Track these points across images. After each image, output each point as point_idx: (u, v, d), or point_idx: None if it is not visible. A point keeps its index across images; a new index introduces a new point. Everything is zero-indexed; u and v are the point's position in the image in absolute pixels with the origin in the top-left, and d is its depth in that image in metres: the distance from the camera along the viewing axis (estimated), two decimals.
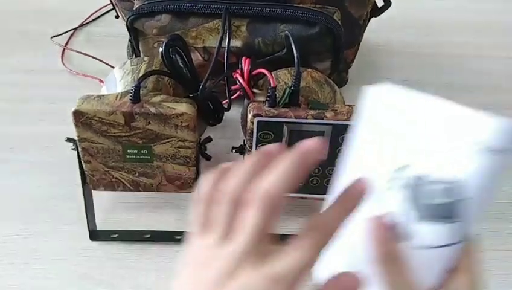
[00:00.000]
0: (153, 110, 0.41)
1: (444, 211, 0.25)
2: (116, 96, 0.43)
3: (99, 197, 0.50)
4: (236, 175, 0.25)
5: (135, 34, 0.54)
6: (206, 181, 0.26)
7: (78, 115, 0.41)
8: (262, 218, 0.23)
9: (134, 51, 0.58)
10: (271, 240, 0.24)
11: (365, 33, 0.59)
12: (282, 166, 0.24)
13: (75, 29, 0.70)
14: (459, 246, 0.26)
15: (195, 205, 0.26)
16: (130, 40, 0.56)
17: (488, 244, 0.49)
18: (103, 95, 0.43)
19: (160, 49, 0.43)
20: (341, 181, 0.29)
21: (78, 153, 0.45)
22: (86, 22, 0.72)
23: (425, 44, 0.74)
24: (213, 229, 0.25)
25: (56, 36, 0.68)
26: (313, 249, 0.24)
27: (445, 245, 0.26)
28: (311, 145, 0.26)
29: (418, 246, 0.26)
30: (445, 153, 0.25)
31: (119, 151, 0.44)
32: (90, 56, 0.65)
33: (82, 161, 0.45)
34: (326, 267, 0.25)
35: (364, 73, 0.67)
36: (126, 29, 0.54)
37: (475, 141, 0.24)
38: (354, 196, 0.25)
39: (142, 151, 0.44)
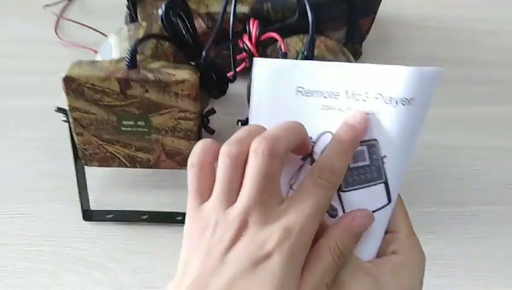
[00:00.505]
0: (150, 76, 0.37)
1: (365, 174, 0.25)
2: (111, 62, 0.39)
3: (93, 174, 0.47)
4: (231, 138, 0.23)
5: (133, 0, 0.50)
6: (199, 145, 0.25)
7: (69, 81, 0.38)
8: (265, 164, 0.22)
9: (132, 19, 0.54)
10: (278, 191, 0.23)
11: (381, 6, 0.55)
12: (285, 123, 0.24)
13: None
14: (390, 207, 0.25)
15: (188, 169, 0.24)
16: (127, 7, 0.51)
17: None
18: (97, 61, 0.39)
19: (160, 12, 0.39)
20: None
21: (69, 124, 0.41)
22: None
23: (444, 18, 0.70)
24: (213, 191, 0.23)
25: (49, 6, 0.64)
26: (323, 194, 0.23)
27: (375, 210, 0.25)
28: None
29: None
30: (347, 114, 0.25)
31: (113, 123, 0.40)
32: (86, 26, 0.61)
33: (73, 134, 0.41)
34: None
35: (378, 47, 0.63)
36: None
37: (383, 94, 0.24)
38: (354, 131, 0.24)
39: (138, 123, 0.40)
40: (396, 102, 0.24)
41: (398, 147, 0.24)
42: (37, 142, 0.51)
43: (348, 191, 0.25)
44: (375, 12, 0.53)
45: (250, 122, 0.27)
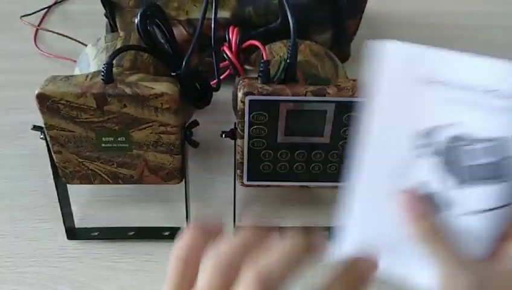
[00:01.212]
0: (128, 90, 0.36)
1: (490, 172, 0.23)
2: (87, 77, 0.37)
3: (78, 191, 0.46)
4: (226, 242, 0.22)
5: (110, 8, 0.48)
6: (186, 236, 0.23)
7: (43, 98, 0.36)
8: None
9: (112, 28, 0.52)
10: None
11: (368, 5, 0.54)
12: (284, 249, 0.21)
13: (49, 7, 0.64)
14: (509, 208, 0.24)
15: (173, 261, 0.22)
16: (105, 15, 0.50)
17: None
18: (71, 76, 0.38)
19: (136, 20, 0.37)
20: (363, 163, 0.26)
21: (46, 142, 0.39)
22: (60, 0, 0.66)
23: (431, 14, 0.68)
24: None
25: (27, 15, 0.62)
26: None
27: (494, 208, 0.24)
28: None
29: (463, 213, 0.24)
30: (479, 109, 0.23)
31: (92, 140, 0.39)
32: (65, 36, 0.60)
33: (52, 152, 0.39)
34: (351, 242, 0.25)
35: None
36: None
37: (508, 93, 0.22)
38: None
39: (119, 139, 0.39)
40: None
41: None
42: (17, 160, 0.50)
43: (469, 186, 0.24)
44: (362, 13, 0.52)
45: (370, 113, 0.25)
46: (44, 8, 0.64)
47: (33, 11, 0.63)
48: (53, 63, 0.58)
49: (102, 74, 0.36)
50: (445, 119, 0.24)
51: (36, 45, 0.60)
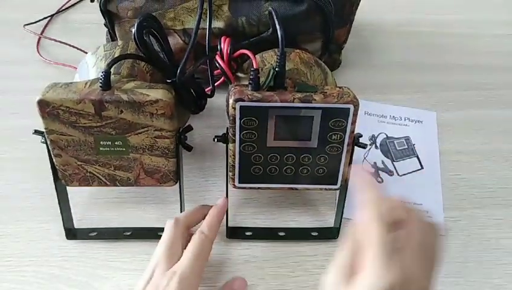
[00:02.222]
0: (124, 97, 0.38)
1: (405, 152, 0.53)
2: (85, 84, 0.39)
3: (77, 193, 0.47)
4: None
5: (110, 18, 0.50)
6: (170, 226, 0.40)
7: (43, 104, 0.38)
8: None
9: (112, 37, 0.54)
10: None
11: (357, 13, 0.56)
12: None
13: (52, 16, 0.66)
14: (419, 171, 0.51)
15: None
16: (105, 25, 0.52)
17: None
18: (71, 83, 0.39)
19: (133, 30, 0.39)
20: None
21: (47, 146, 0.41)
22: (63, 8, 0.68)
23: (420, 23, 0.70)
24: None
25: (30, 24, 0.64)
26: (201, 244, 0.39)
27: (413, 171, 0.52)
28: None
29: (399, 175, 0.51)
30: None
31: (91, 144, 0.40)
32: (67, 44, 0.62)
33: (52, 155, 0.41)
34: None
35: (357, 55, 0.64)
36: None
37: (404, 119, 0.57)
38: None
39: (116, 143, 0.40)
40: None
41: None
42: (19, 162, 0.51)
43: (397, 161, 0.52)
44: (351, 21, 0.54)
45: None
46: (47, 17, 0.66)
47: (36, 20, 0.66)
48: (54, 70, 0.60)
49: (101, 81, 0.38)
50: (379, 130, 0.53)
51: (38, 52, 0.62)
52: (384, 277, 0.27)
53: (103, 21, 0.53)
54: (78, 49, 0.61)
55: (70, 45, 0.61)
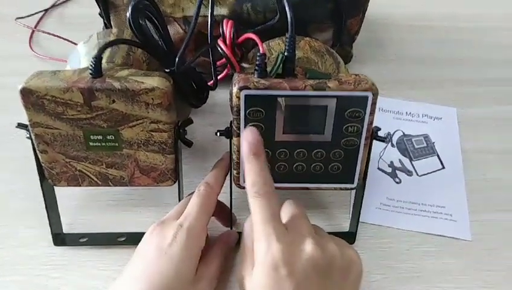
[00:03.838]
0: (117, 85, 0.34)
1: (424, 151, 0.48)
2: (75, 71, 0.36)
3: (69, 194, 0.44)
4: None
5: (105, 6, 0.47)
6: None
7: (26, 93, 0.34)
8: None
9: (107, 28, 0.50)
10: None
11: (369, 7, 0.52)
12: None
13: (46, 10, 0.63)
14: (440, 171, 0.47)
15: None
16: (99, 14, 0.48)
17: None
18: (59, 71, 0.36)
19: (127, 14, 0.36)
20: None
21: (32, 141, 0.37)
22: (59, 2, 0.65)
23: (434, 17, 0.67)
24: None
25: (22, 18, 0.61)
26: (205, 198, 0.37)
27: (433, 171, 0.47)
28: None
29: (418, 175, 0.47)
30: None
31: (80, 138, 0.37)
32: (62, 38, 0.58)
33: (37, 151, 0.37)
34: None
35: (370, 50, 0.60)
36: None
37: (422, 116, 0.53)
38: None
39: (107, 137, 0.37)
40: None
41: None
42: (8, 162, 0.48)
43: (416, 160, 0.48)
44: (364, 12, 0.50)
45: None
46: (41, 11, 0.63)
47: (29, 13, 0.62)
48: (48, 65, 0.57)
49: (91, 67, 0.34)
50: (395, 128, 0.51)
51: (31, 47, 0.59)
52: None
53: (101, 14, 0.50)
54: (72, 42, 0.57)
55: (64, 39, 0.58)
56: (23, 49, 0.59)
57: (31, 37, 0.60)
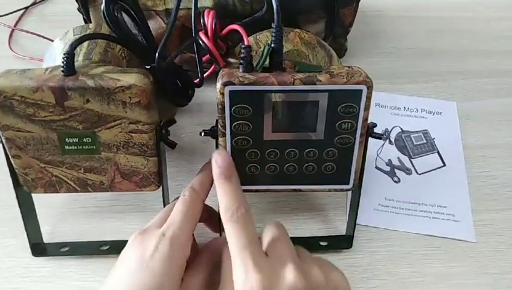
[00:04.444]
0: (90, 83, 0.31)
1: (424, 148, 0.45)
2: (46, 70, 0.33)
3: (47, 202, 0.41)
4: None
5: (83, 1, 0.44)
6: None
7: None
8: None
9: (86, 23, 0.48)
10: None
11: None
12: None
13: (27, 8, 0.61)
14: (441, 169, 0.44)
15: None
16: (78, 9, 0.46)
17: None
18: (28, 69, 0.33)
19: (102, 7, 0.33)
20: None
21: (3, 146, 0.35)
22: (39, 0, 0.62)
23: (430, 7, 0.64)
24: None
25: (1, 16, 0.58)
26: (190, 204, 0.34)
27: (434, 169, 0.44)
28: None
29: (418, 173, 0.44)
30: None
31: (54, 141, 0.34)
32: (43, 37, 0.56)
33: (10, 157, 0.35)
34: None
35: (364, 43, 0.58)
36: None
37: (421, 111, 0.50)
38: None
39: (84, 140, 0.34)
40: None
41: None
42: None
43: (415, 158, 0.44)
44: (358, 1, 0.47)
45: None
46: (21, 9, 0.60)
47: (8, 11, 0.60)
48: (28, 65, 0.53)
49: (62, 64, 0.32)
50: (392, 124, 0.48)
51: (10, 47, 0.56)
52: None
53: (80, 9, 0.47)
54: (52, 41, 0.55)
55: (44, 37, 0.55)
56: (1, 49, 0.56)
57: (10, 36, 0.57)
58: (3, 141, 0.34)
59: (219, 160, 0.33)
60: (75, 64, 0.33)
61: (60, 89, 0.31)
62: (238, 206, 0.30)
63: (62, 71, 0.32)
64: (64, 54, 0.32)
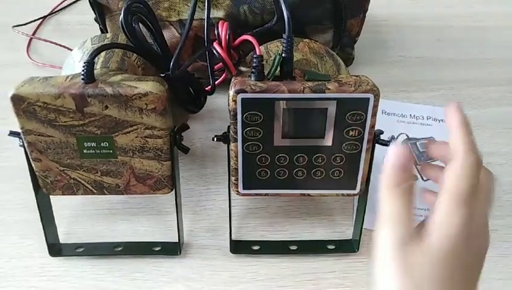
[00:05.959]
0: (109, 90, 0.33)
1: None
2: (67, 77, 0.35)
3: (64, 203, 0.43)
4: None
5: (100, 11, 0.46)
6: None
7: (18, 100, 0.33)
8: None
9: (103, 33, 0.50)
10: None
11: (372, 8, 0.51)
12: None
13: (44, 18, 0.63)
14: None
15: None
16: (95, 20, 0.48)
17: None
18: (50, 77, 0.35)
19: (120, 18, 0.35)
20: None
21: (24, 149, 0.36)
22: (56, 10, 0.64)
23: (439, 17, 0.65)
24: None
25: (20, 25, 0.61)
26: None
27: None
28: None
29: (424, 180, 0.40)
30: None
31: (73, 145, 0.36)
32: (59, 45, 0.58)
33: (30, 160, 0.37)
34: None
35: (371, 51, 0.59)
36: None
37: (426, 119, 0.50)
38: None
39: (101, 144, 0.36)
40: None
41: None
42: (2, 172, 0.47)
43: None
44: (365, 12, 0.49)
45: None
46: (39, 19, 0.62)
47: (27, 20, 0.62)
48: (45, 73, 0.55)
49: (82, 73, 0.33)
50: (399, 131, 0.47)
51: (28, 55, 0.58)
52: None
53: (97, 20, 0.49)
54: (70, 49, 0.57)
55: (62, 46, 0.57)
56: (20, 57, 0.58)
57: (28, 44, 0.59)
58: (26, 144, 0.36)
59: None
60: (94, 72, 0.34)
61: (80, 95, 0.33)
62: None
63: (82, 79, 0.34)
64: (84, 63, 0.33)
